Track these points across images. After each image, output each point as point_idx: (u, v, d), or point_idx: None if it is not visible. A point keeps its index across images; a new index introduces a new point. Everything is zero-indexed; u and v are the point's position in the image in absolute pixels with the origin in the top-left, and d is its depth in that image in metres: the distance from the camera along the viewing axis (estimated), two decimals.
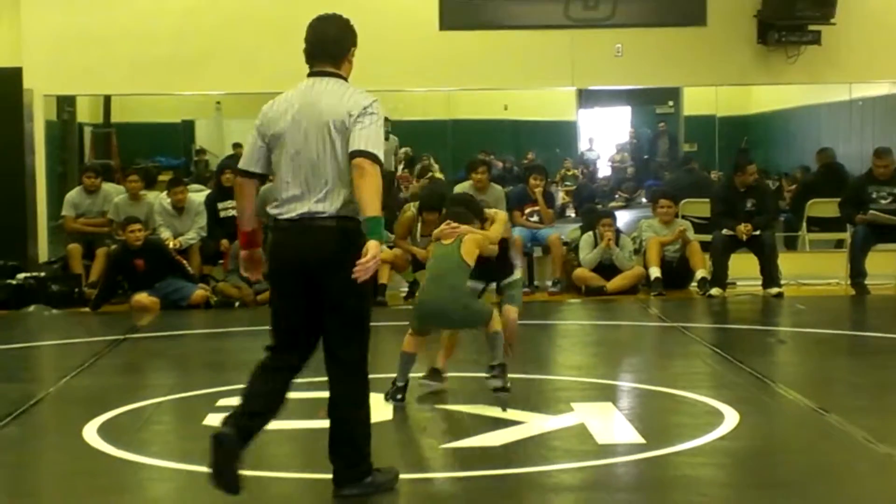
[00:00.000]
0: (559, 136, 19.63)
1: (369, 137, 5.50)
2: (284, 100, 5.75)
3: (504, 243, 8.34)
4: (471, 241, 7.90)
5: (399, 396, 7.88)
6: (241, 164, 5.80)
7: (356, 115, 5.54)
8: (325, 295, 5.61)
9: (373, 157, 5.46)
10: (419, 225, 13.44)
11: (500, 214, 8.48)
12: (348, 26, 5.84)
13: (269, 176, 5.86)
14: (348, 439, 5.69)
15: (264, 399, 5.65)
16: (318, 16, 5.85)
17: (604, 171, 23.64)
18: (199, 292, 13.37)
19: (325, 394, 5.70)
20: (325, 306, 5.64)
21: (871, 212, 13.68)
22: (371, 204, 5.40)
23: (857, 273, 13.76)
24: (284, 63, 15.08)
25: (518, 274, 8.64)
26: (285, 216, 5.64)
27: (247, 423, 5.58)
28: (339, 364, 5.68)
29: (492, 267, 8.27)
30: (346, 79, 5.77)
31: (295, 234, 5.63)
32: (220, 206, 14.45)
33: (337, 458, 5.71)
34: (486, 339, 7.85)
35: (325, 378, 5.72)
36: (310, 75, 5.79)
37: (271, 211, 5.72)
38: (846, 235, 14.44)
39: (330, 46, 5.78)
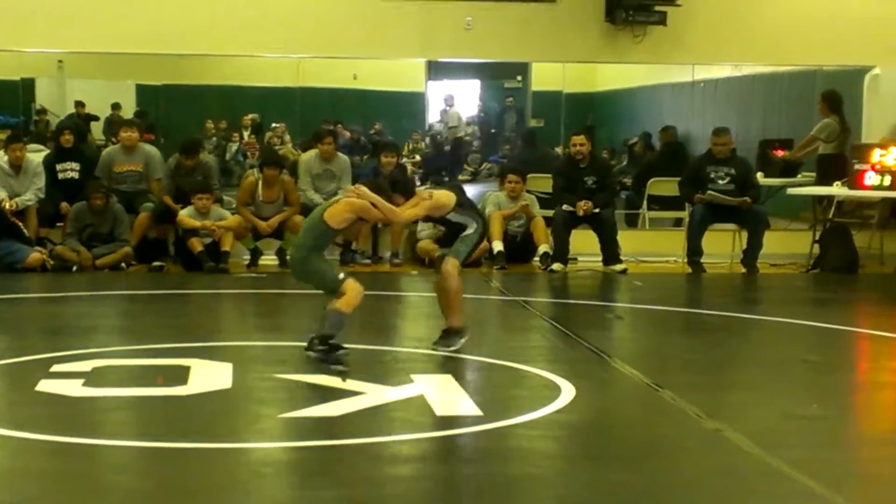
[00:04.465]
0: (408, 107, 19.61)
1: None
2: None
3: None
4: (344, 204, 7.96)
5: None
6: None
7: None
8: None
9: None
10: (260, 189, 13.71)
11: (426, 202, 8.35)
12: None
13: None
14: None
15: None
16: None
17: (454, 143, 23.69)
18: (35, 255, 13.08)
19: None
20: None
21: (709, 192, 13.95)
22: None
23: (694, 251, 14.05)
24: (129, 24, 15.07)
25: (470, 230, 8.47)
26: None
27: None
28: None
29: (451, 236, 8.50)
30: None
31: None
32: (58, 167, 14.16)
33: None
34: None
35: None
36: None
37: None
38: (685, 214, 14.73)
39: None
